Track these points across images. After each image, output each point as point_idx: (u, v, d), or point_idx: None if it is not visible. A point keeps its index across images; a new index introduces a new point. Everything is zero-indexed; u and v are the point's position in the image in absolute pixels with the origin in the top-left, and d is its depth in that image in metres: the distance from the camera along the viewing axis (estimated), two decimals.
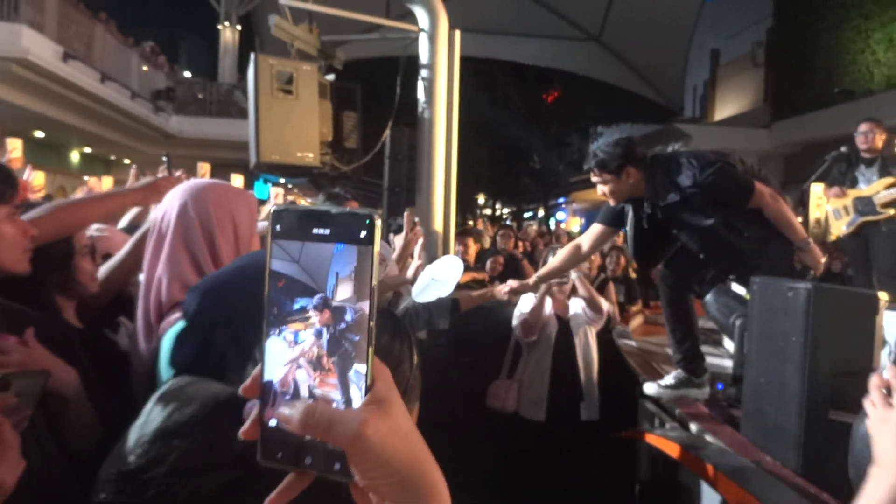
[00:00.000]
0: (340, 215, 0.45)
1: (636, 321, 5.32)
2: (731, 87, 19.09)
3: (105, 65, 13.00)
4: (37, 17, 10.70)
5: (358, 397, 0.45)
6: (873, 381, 1.10)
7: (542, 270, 3.28)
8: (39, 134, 13.89)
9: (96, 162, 17.38)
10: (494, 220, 26.35)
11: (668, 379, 2.94)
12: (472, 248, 5.27)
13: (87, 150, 16.68)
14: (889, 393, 1.05)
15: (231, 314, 0.88)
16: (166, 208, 1.46)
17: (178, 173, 2.31)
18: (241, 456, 0.57)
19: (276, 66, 4.42)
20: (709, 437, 2.40)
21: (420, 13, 5.14)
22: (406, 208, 3.65)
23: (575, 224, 23.42)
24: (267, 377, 0.47)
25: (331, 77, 5.03)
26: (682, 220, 2.72)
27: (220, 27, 19.01)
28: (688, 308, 2.97)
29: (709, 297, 3.26)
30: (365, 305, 0.45)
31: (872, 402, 1.08)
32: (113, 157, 17.74)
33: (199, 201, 1.45)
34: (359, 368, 0.45)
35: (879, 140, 4.99)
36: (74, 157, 16.83)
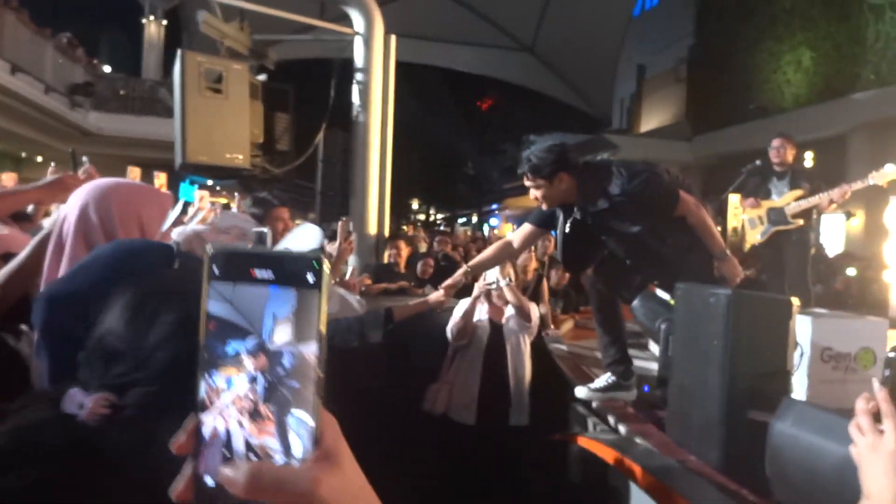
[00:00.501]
0: (284, 258, 0.42)
1: (566, 326, 5.44)
2: (656, 100, 19.92)
3: (16, 55, 12.23)
4: None
5: (299, 448, 0.42)
6: (860, 406, 0.98)
7: (472, 262, 3.31)
8: None
9: (4, 159, 16.29)
10: (428, 225, 26.43)
11: (598, 382, 3.02)
12: (404, 252, 5.25)
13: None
14: (878, 419, 0.95)
15: (77, 316, 0.83)
16: (67, 210, 1.39)
17: (82, 170, 2.17)
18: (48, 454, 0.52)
19: (204, 63, 4.27)
20: (637, 439, 2.47)
21: (356, 16, 5.10)
22: (341, 217, 3.60)
23: (508, 230, 23.76)
24: (201, 428, 0.43)
25: (262, 77, 4.91)
26: (609, 227, 2.80)
27: (144, 21, 18.25)
28: (616, 313, 3.06)
29: (636, 303, 3.37)
30: (308, 350, 0.42)
31: (860, 428, 0.97)
32: (24, 155, 16.68)
33: (102, 202, 1.40)
34: (301, 417, 0.42)
35: (790, 154, 5.31)
36: None
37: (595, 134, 18.41)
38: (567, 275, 5.81)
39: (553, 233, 3.09)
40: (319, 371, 0.42)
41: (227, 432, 0.42)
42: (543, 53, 19.70)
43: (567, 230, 2.88)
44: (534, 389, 3.77)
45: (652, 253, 2.77)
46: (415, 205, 29.45)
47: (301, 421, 0.42)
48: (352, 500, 0.43)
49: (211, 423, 0.43)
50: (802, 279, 5.13)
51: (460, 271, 3.20)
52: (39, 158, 15.51)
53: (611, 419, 2.77)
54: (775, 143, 5.33)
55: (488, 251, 3.30)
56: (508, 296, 3.72)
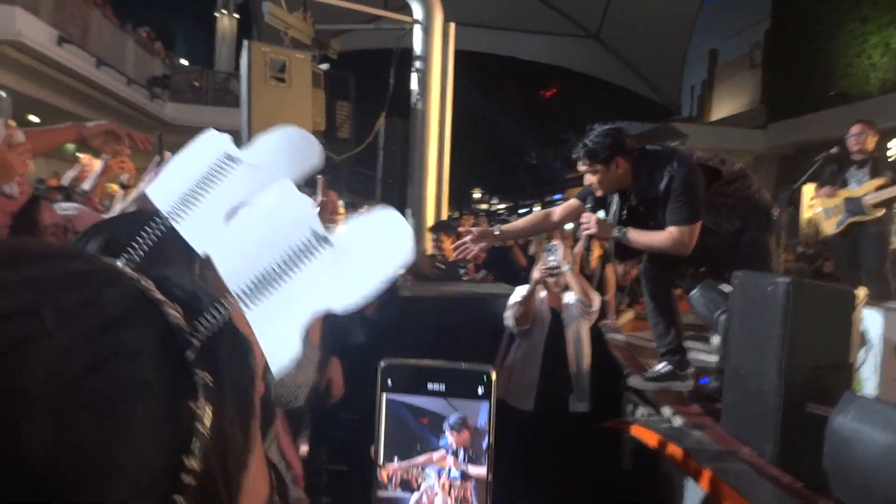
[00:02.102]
0: (457, 372, 0.45)
1: (626, 316, 5.35)
2: (729, 87, 19.14)
3: (100, 50, 12.93)
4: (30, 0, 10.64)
5: None
6: None
7: (506, 226, 3.31)
8: (34, 118, 13.82)
9: (89, 149, 17.27)
10: (490, 215, 26.38)
11: (653, 372, 2.96)
12: (447, 242, 5.18)
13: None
14: None
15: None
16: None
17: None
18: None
19: (269, 53, 4.40)
20: (690, 429, 2.41)
21: (415, 5, 5.13)
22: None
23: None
24: None
25: (325, 66, 5.02)
26: (658, 218, 2.74)
27: (217, 15, 18.92)
28: (670, 301, 2.99)
29: (695, 293, 3.28)
30: (485, 454, 0.45)
31: None
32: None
33: None
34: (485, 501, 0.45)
35: (871, 142, 5.02)
36: (69, 144, 16.73)
37: (663, 122, 17.88)
38: (635, 270, 5.69)
39: (606, 215, 3.04)
40: (489, 472, 0.45)
41: None
42: (610, 40, 19.26)
43: (623, 216, 2.83)
44: (591, 378, 3.74)
45: (701, 244, 2.69)
46: (476, 195, 29.45)
47: None
48: None
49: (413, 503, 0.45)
50: (880, 273, 4.85)
51: (495, 230, 3.20)
52: (128, 153, 16.36)
53: (665, 410, 2.72)
54: (855, 129, 5.05)
55: (525, 219, 3.30)
56: (571, 281, 3.68)
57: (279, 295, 0.28)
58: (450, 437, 0.44)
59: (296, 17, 4.93)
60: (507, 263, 6.02)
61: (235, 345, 0.30)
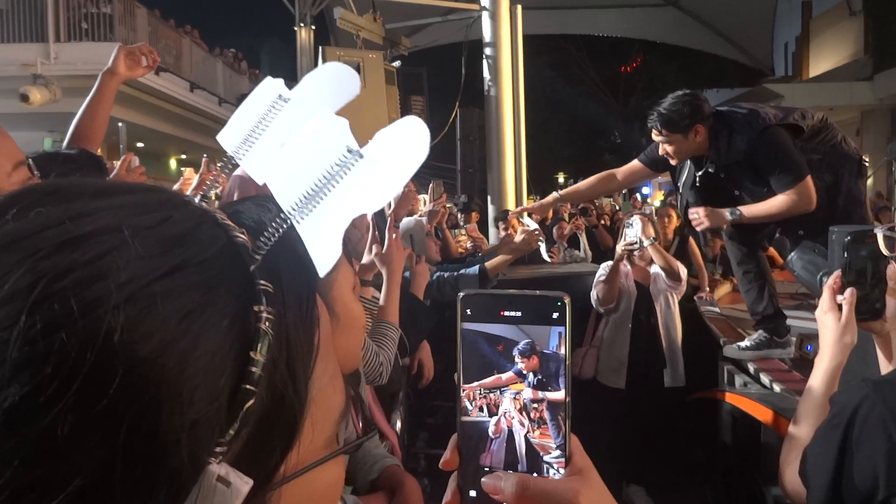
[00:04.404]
0: (532, 298, 0.46)
1: (723, 289, 5.13)
2: (826, 39, 17.75)
3: (193, 74, 13.81)
4: (130, 35, 11.50)
5: (567, 454, 0.46)
6: (829, 283, 1.23)
7: (566, 190, 3.27)
8: (140, 144, 14.97)
9: (192, 166, 18.50)
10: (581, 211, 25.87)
11: (749, 340, 2.85)
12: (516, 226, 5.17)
13: (183, 156, 17.79)
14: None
15: None
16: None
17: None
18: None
19: (343, 56, 4.57)
20: (791, 396, 2.31)
21: None
22: (432, 181, 3.70)
23: (659, 198, 22.67)
24: (465, 432, 0.47)
25: (397, 63, 5.14)
26: (742, 183, 2.62)
27: (296, 29, 19.69)
28: (760, 266, 2.85)
29: (793, 256, 3.11)
30: (562, 383, 0.46)
31: (823, 299, 1.23)
32: (205, 157, 18.85)
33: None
34: (563, 424, 0.46)
35: None
36: (172, 164, 18.00)
37: (755, 86, 16.87)
38: (718, 245, 5.44)
39: (674, 186, 2.93)
40: (569, 397, 0.46)
41: (510, 434, 0.47)
42: (690, 6, 18.35)
43: (697, 184, 2.73)
44: (685, 352, 3.64)
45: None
46: (560, 178, 28.98)
47: (564, 427, 0.46)
48: None
49: (492, 427, 0.47)
50: None
51: (551, 196, 3.14)
52: (220, 164, 17.40)
53: (764, 378, 2.61)
54: None
55: (586, 181, 3.24)
56: (654, 255, 3.61)
57: (322, 207, 0.33)
58: (519, 363, 0.46)
59: (366, 18, 5.07)
60: (595, 244, 5.94)
61: (295, 259, 0.34)
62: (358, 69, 4.60)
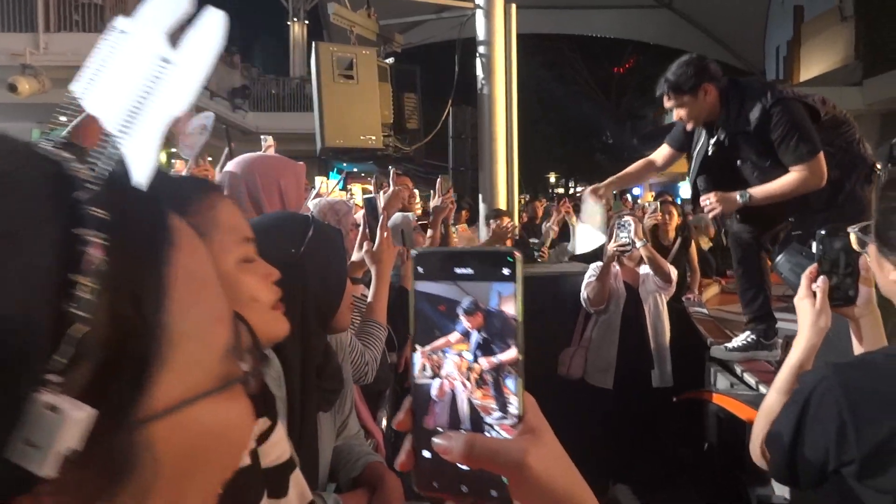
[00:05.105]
0: (481, 254, 0.46)
1: (711, 291, 5.17)
2: (818, 44, 17.87)
3: None
4: None
5: (517, 412, 0.45)
6: (806, 272, 1.33)
7: (618, 175, 3.26)
8: None
9: (180, 160, 18.40)
10: (571, 198, 25.98)
11: (737, 341, 2.87)
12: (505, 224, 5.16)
13: (173, 149, 17.69)
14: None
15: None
16: (221, 180, 1.61)
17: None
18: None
19: (336, 52, 4.54)
20: None
21: None
22: (440, 175, 3.71)
23: (650, 198, 22.78)
24: (416, 394, 0.47)
25: (390, 60, 5.12)
26: (746, 155, 2.60)
27: (289, 23, 19.59)
28: (760, 267, 2.86)
29: (780, 259, 3.12)
30: (511, 340, 0.45)
31: (802, 286, 1.34)
32: None
33: (248, 173, 1.61)
34: (510, 384, 0.45)
35: None
36: (162, 157, 17.87)
37: None
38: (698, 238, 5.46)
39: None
40: (521, 355, 0.45)
41: (452, 394, 0.46)
42: (683, 8, 18.47)
43: (709, 152, 2.70)
44: (673, 352, 3.67)
45: (793, 200, 2.56)
46: (552, 178, 29.06)
47: (512, 390, 0.45)
48: (558, 471, 0.45)
49: (435, 389, 0.47)
50: None
51: (607, 181, 3.17)
52: (209, 158, 17.32)
53: (750, 379, 2.63)
54: None
55: (630, 167, 3.23)
56: (645, 257, 3.62)
57: (142, 118, 0.34)
58: (464, 321, 0.45)
59: (360, 14, 5.05)
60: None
61: (133, 188, 0.34)
62: (351, 65, 4.59)
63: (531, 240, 6.10)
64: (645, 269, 3.75)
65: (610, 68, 26.08)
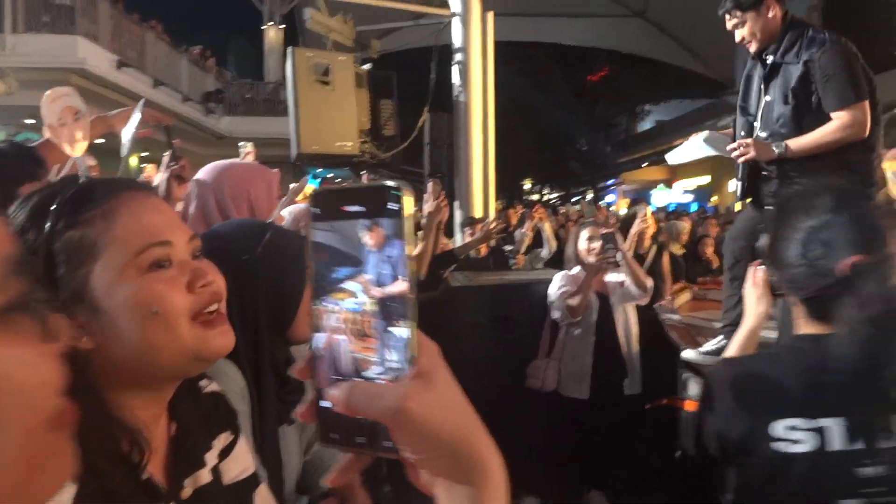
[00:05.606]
0: (367, 190, 0.46)
1: (682, 297, 5.23)
2: None
3: (157, 70, 13.52)
4: (91, 28, 11.22)
5: (397, 362, 0.45)
6: (753, 264, 1.54)
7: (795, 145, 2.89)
8: (100, 141, 14.57)
9: (151, 163, 18.12)
10: (544, 205, 26.15)
11: (709, 346, 2.90)
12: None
13: (145, 153, 17.40)
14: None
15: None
16: (190, 188, 1.59)
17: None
18: None
19: (312, 58, 4.53)
20: None
21: None
22: (431, 180, 3.71)
23: (623, 206, 23.07)
24: (315, 350, 0.47)
25: (367, 66, 5.12)
26: (779, 90, 2.56)
27: (264, 28, 19.44)
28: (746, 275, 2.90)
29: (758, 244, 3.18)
30: (402, 275, 0.44)
31: (748, 275, 1.54)
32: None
33: (217, 183, 1.59)
34: (399, 334, 0.45)
35: None
36: (132, 161, 17.58)
37: (715, 98, 17.28)
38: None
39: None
40: (411, 293, 0.44)
41: (338, 350, 0.47)
42: (656, 17, 18.67)
43: (761, 89, 2.65)
44: (645, 359, 3.69)
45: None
46: (528, 185, 29.24)
47: (400, 338, 0.45)
48: (444, 416, 0.44)
49: (323, 342, 0.47)
50: None
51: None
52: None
53: None
54: None
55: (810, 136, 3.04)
56: (627, 267, 3.61)
57: None
58: (366, 241, 0.45)
59: (337, 20, 5.04)
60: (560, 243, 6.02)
61: None
62: (327, 71, 4.57)
63: (505, 247, 6.13)
64: (614, 278, 3.75)
65: (584, 76, 26.37)
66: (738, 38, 2.67)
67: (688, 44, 19.41)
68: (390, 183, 0.45)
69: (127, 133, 2.34)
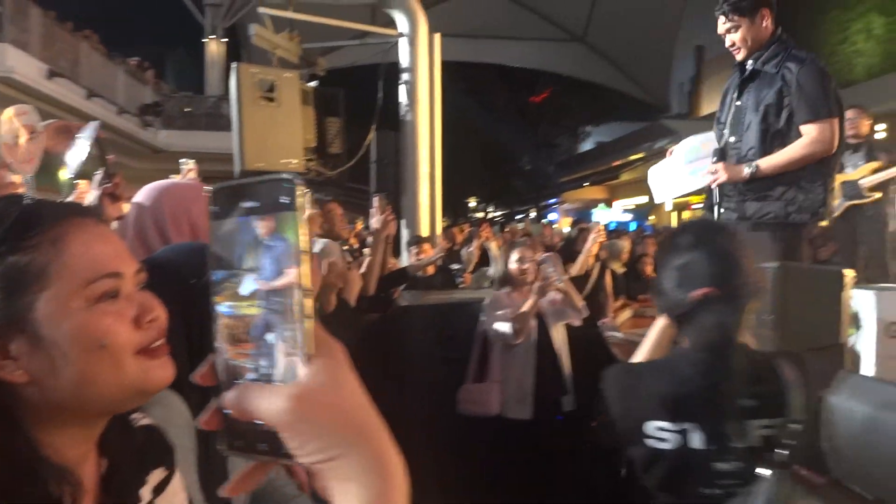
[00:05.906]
0: (260, 184, 0.44)
1: (624, 315, 5.36)
2: (718, 81, 19.20)
3: (91, 81, 13.02)
4: (21, 35, 10.73)
5: (284, 368, 0.42)
6: None
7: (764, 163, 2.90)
8: None
9: (84, 177, 17.37)
10: (489, 223, 26.46)
11: None
12: (428, 252, 5.01)
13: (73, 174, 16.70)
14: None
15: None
16: (128, 212, 1.54)
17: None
18: None
19: (257, 74, 4.45)
20: None
21: (400, 18, 5.19)
22: (377, 195, 3.68)
23: (566, 224, 23.55)
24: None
25: (313, 84, 5.07)
26: (754, 95, 2.62)
27: (205, 41, 19.05)
28: None
29: None
30: (291, 272, 0.42)
31: None
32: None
33: (155, 203, 1.54)
34: (287, 336, 0.42)
35: (865, 126, 5.05)
36: (63, 174, 16.82)
37: (652, 121, 17.96)
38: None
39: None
40: (304, 291, 0.42)
41: (219, 357, 0.45)
42: (596, 42, 19.37)
43: (735, 96, 2.72)
44: (588, 376, 3.74)
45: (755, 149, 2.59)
46: (472, 203, 29.53)
47: (288, 340, 0.42)
48: (335, 417, 0.42)
49: (213, 350, 0.45)
50: (878, 256, 4.87)
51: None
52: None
53: None
54: (849, 114, 5.04)
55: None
56: (566, 290, 3.65)
57: None
58: (234, 270, 0.44)
59: (282, 37, 4.98)
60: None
61: None
62: (272, 88, 4.50)
63: (452, 265, 6.14)
64: (547, 297, 3.75)
65: (527, 97, 26.95)
66: (727, 44, 2.72)
67: (625, 68, 20.19)
68: (284, 175, 0.43)
69: (75, 158, 2.24)
